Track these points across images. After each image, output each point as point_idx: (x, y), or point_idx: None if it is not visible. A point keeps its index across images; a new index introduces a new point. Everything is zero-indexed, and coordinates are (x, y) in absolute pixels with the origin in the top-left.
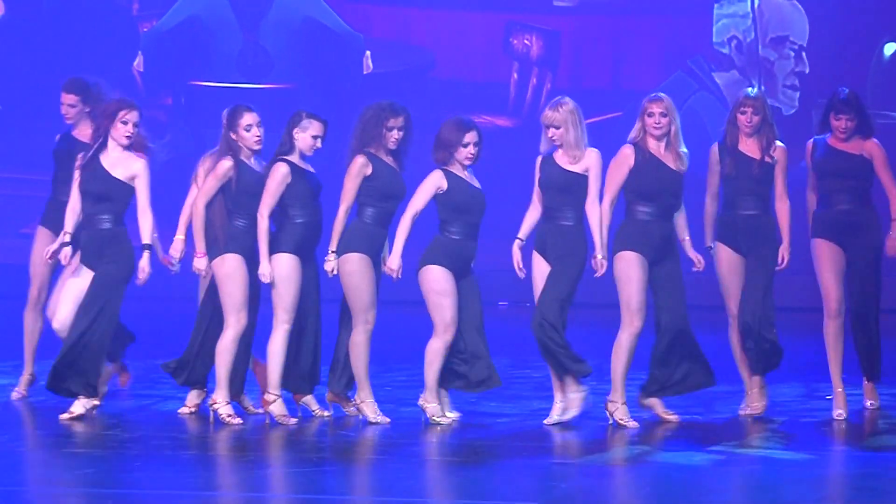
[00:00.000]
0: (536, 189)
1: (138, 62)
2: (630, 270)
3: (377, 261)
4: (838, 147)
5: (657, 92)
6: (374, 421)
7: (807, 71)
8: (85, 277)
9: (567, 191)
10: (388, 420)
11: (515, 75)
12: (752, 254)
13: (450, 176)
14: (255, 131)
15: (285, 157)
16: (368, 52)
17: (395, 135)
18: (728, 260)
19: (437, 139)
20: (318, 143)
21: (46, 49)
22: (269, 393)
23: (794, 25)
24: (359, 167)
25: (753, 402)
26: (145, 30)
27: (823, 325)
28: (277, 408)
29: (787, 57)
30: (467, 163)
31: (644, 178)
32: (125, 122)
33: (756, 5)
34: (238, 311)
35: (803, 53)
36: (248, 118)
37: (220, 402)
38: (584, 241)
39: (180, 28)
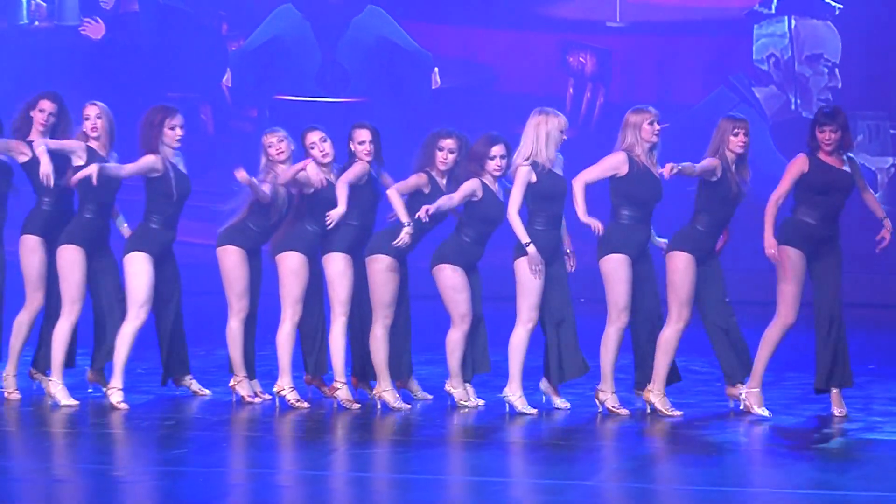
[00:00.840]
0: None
1: (227, 78)
2: (621, 271)
3: (402, 261)
4: (829, 162)
5: (646, 105)
6: (395, 407)
7: (839, 86)
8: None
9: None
10: (409, 406)
11: (571, 90)
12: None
13: (485, 188)
14: (320, 147)
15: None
16: (436, 69)
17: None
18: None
19: (469, 152)
20: (368, 147)
21: (143, 67)
22: (336, 381)
23: (828, 44)
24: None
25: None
26: (233, 49)
27: (771, 329)
28: (343, 394)
29: (821, 73)
30: (496, 174)
31: (637, 185)
32: (173, 128)
33: (793, 26)
34: (295, 304)
35: (836, 70)
36: (312, 136)
37: (287, 389)
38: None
39: (265, 47)
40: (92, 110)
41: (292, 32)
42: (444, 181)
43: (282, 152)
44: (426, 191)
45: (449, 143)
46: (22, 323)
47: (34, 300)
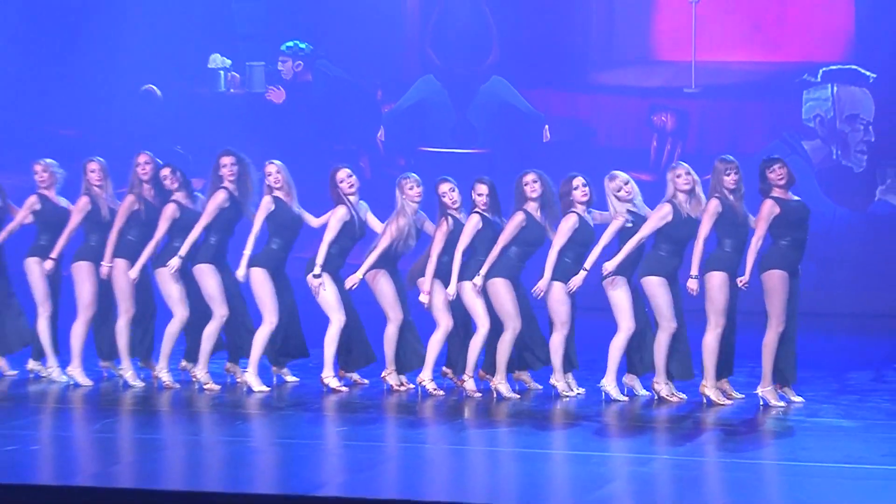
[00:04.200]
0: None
1: (381, 133)
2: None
3: (516, 283)
4: (784, 198)
5: (679, 162)
6: (508, 396)
7: (872, 139)
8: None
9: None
10: (519, 396)
11: (655, 143)
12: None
13: (580, 218)
14: (450, 196)
15: (478, 211)
16: (547, 126)
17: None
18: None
19: (558, 195)
20: (485, 199)
21: (315, 125)
22: (466, 375)
23: (864, 106)
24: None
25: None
26: (386, 110)
27: (770, 339)
28: (470, 385)
29: (857, 130)
30: (583, 199)
31: (680, 227)
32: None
33: (835, 91)
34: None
35: (870, 127)
36: (444, 186)
37: (427, 380)
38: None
39: (411, 108)
40: (272, 168)
41: (433, 97)
42: (539, 212)
43: (413, 190)
44: (524, 224)
45: (530, 177)
46: (212, 332)
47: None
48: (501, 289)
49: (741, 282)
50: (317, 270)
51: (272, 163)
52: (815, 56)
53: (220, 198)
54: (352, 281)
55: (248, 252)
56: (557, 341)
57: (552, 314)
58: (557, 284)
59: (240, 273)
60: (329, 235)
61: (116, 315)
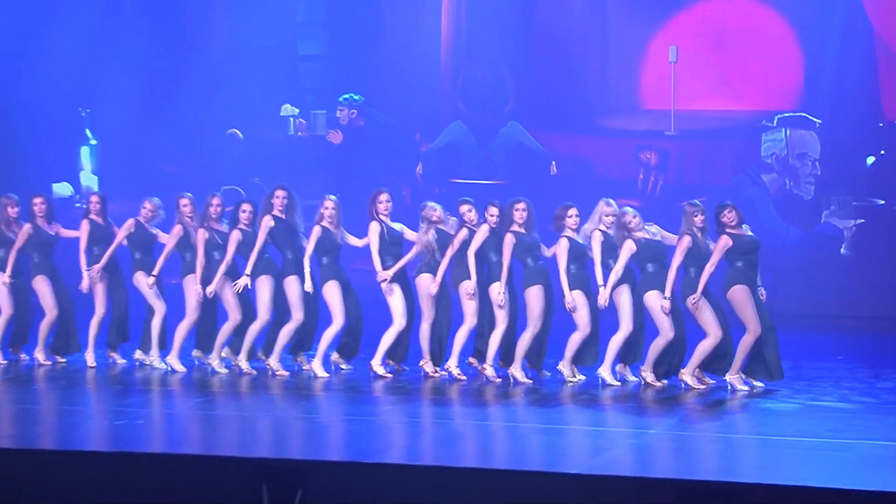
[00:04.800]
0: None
1: (419, 168)
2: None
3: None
4: (738, 233)
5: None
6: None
7: (819, 173)
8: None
9: None
10: (531, 381)
11: (641, 176)
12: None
13: (570, 239)
14: (468, 215)
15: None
16: (553, 161)
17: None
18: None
19: (553, 218)
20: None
21: (366, 161)
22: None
23: (811, 146)
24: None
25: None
26: (423, 149)
27: (746, 340)
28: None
29: (806, 165)
30: (574, 226)
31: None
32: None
33: (788, 134)
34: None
35: (817, 163)
36: (464, 207)
37: (454, 366)
38: None
39: (444, 148)
40: (330, 203)
41: (461, 138)
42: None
43: (436, 212)
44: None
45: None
46: (289, 331)
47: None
48: (539, 294)
49: (691, 300)
50: (385, 275)
51: (330, 198)
52: (771, 105)
53: (267, 224)
54: (382, 277)
55: (307, 269)
56: (577, 338)
57: (576, 318)
58: (578, 293)
59: (307, 286)
60: (374, 248)
61: (214, 317)
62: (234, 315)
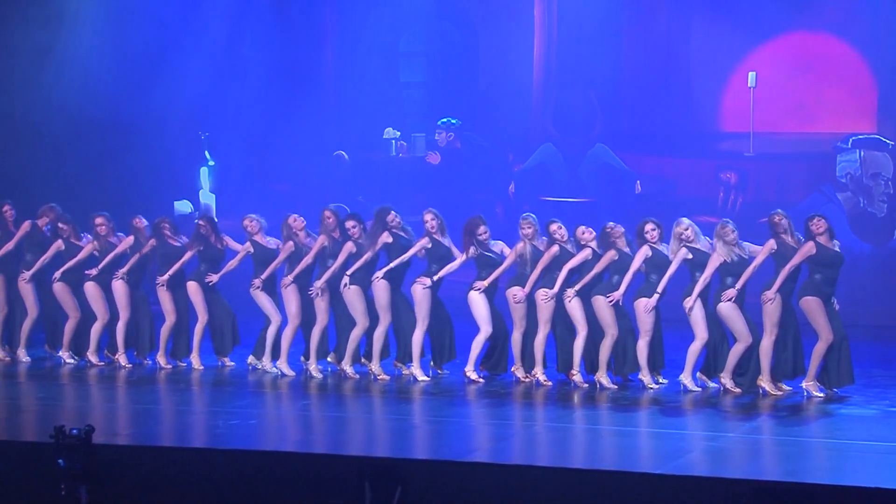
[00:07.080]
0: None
1: (512, 187)
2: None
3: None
4: (824, 244)
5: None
6: (608, 387)
7: (891, 192)
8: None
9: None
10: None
11: (721, 194)
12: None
13: (652, 248)
14: (559, 232)
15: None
16: (638, 181)
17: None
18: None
19: (635, 233)
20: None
21: (476, 181)
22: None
23: (884, 166)
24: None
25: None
26: (516, 169)
27: (819, 348)
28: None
29: (879, 184)
30: (653, 239)
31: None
32: (479, 234)
33: (862, 155)
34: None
35: (889, 182)
36: (553, 226)
37: (540, 373)
38: None
39: (535, 168)
40: (428, 216)
41: (550, 159)
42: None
43: (531, 228)
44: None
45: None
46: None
47: (387, 318)
48: (598, 303)
49: (766, 297)
50: (482, 284)
51: (428, 211)
52: (846, 127)
53: (385, 239)
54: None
55: (439, 275)
56: (643, 345)
57: (640, 323)
58: (642, 300)
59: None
60: (462, 260)
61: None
62: (322, 318)
